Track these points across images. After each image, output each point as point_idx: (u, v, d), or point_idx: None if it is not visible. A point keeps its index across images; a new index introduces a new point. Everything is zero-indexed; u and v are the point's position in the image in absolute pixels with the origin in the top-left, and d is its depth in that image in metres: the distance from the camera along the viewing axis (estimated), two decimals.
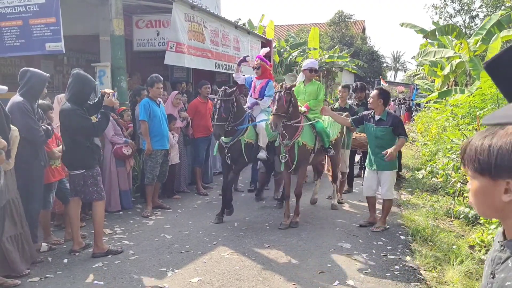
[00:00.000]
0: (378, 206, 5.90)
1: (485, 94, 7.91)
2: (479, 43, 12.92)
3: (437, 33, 13.25)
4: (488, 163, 1.05)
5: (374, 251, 4.84)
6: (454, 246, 4.76)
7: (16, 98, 4.33)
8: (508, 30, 11.54)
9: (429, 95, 16.86)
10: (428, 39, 14.78)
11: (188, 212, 6.40)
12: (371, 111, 5.55)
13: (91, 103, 4.72)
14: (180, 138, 7.25)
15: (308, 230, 5.59)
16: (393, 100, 26.97)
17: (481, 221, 5.28)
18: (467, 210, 5.71)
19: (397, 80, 49.96)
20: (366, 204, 5.97)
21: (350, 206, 6.86)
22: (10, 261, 3.92)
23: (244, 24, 15.54)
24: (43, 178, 4.60)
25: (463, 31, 16.17)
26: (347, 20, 35.39)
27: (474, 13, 23.87)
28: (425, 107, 18.15)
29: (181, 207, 6.69)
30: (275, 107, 5.32)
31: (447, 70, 14.55)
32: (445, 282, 4.01)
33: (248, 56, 7.26)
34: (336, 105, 7.28)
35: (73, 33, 7.60)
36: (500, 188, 1.04)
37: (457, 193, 6.39)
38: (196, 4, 8.40)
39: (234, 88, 5.68)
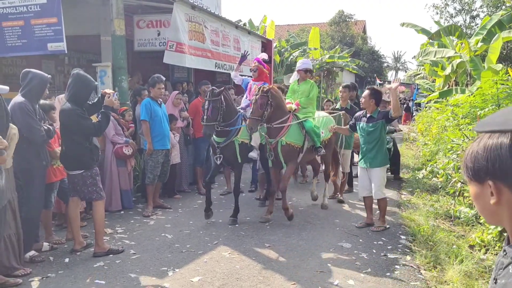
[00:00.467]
0: (376, 207, 5.90)
1: (486, 94, 7.91)
2: (480, 43, 12.92)
3: (442, 33, 13.27)
4: (473, 168, 1.06)
5: (374, 251, 4.85)
6: (454, 246, 4.77)
7: (18, 98, 4.35)
8: (509, 31, 11.53)
9: (429, 95, 16.86)
10: (430, 39, 14.78)
11: (189, 212, 6.42)
12: (363, 111, 5.62)
13: (90, 103, 4.74)
14: (181, 138, 7.28)
15: (308, 229, 5.61)
16: None
17: (481, 221, 5.29)
18: (467, 210, 5.72)
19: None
20: None
21: (351, 206, 6.87)
22: (4, 260, 3.93)
23: (244, 24, 15.55)
24: (45, 178, 4.61)
25: (464, 31, 16.15)
26: (347, 20, 35.37)
27: (474, 13, 23.85)
28: (425, 107, 18.13)
29: (182, 206, 6.71)
30: (251, 110, 5.47)
31: (448, 70, 14.54)
32: (445, 281, 4.02)
33: (248, 52, 7.27)
34: (338, 106, 7.29)
35: (74, 33, 7.61)
36: (487, 191, 1.04)
37: (457, 193, 6.39)
38: (196, 4, 8.41)
39: (222, 89, 5.75)
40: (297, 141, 5.75)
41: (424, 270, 4.35)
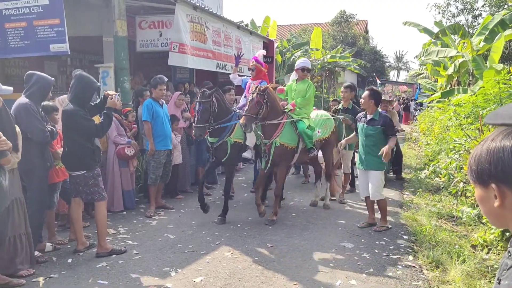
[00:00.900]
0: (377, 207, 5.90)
1: (488, 94, 7.89)
2: (482, 42, 12.90)
3: (446, 32, 13.25)
4: (476, 171, 1.06)
5: (376, 251, 4.85)
6: (456, 246, 4.76)
7: (22, 99, 4.37)
8: (511, 30, 11.51)
9: (432, 94, 16.83)
10: (435, 38, 14.75)
11: (191, 212, 6.43)
12: (364, 111, 5.62)
13: (93, 103, 4.76)
14: (183, 139, 7.29)
15: (310, 229, 5.61)
16: (397, 100, 26.93)
17: (483, 221, 5.29)
18: (469, 209, 5.71)
19: (399, 80, 49.87)
20: None
21: (352, 206, 6.87)
22: (9, 260, 3.95)
23: (247, 25, 15.55)
24: (48, 179, 4.63)
25: (466, 30, 16.12)
26: (349, 19, 35.31)
27: (477, 12, 23.78)
28: (428, 107, 18.10)
29: (184, 207, 6.72)
30: (247, 108, 5.49)
31: (450, 69, 14.51)
32: (447, 281, 4.02)
33: (242, 53, 7.30)
34: (340, 106, 7.28)
35: (77, 34, 7.63)
36: (491, 194, 1.04)
37: (459, 193, 6.39)
38: (198, 5, 8.43)
39: (213, 90, 5.79)
40: (291, 142, 5.77)
41: (426, 270, 4.34)
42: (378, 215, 5.79)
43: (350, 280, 4.09)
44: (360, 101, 5.84)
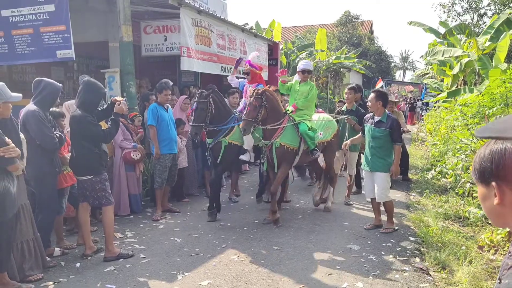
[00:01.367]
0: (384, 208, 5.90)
1: (494, 93, 7.85)
2: (488, 41, 12.83)
3: (453, 31, 13.22)
4: (479, 170, 1.11)
5: (383, 253, 4.85)
6: (463, 247, 4.75)
7: (31, 106, 4.43)
8: None
9: (438, 94, 16.77)
10: (441, 38, 14.71)
11: (198, 215, 6.45)
12: (371, 113, 5.60)
13: (100, 109, 4.81)
14: (188, 142, 7.32)
15: (316, 232, 5.62)
16: (404, 100, 26.82)
17: (490, 221, 5.26)
18: (476, 210, 5.69)
19: (405, 80, 49.67)
20: None
21: (359, 208, 6.86)
22: (18, 266, 3.99)
23: (251, 27, 15.59)
24: (57, 184, 4.68)
25: (472, 29, 16.04)
26: (354, 20, 35.29)
27: (482, 11, 23.65)
28: (434, 107, 18.03)
29: (190, 210, 6.75)
30: (245, 112, 5.55)
31: (456, 69, 14.46)
32: (454, 283, 4.01)
33: (242, 59, 7.36)
34: (344, 108, 7.28)
35: (83, 39, 7.72)
36: (492, 193, 1.09)
37: (466, 194, 6.36)
38: (202, 9, 8.48)
39: (210, 91, 5.94)
40: (292, 143, 5.78)
41: (433, 271, 4.34)
42: (384, 217, 5.79)
43: (357, 282, 4.09)
44: (367, 104, 5.82)
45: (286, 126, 5.75)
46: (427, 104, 23.72)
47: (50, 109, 4.70)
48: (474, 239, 5.12)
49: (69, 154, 4.95)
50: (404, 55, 58.56)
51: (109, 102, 4.86)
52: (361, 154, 7.77)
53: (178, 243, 5.22)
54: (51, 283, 4.08)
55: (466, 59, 13.46)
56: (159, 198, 6.44)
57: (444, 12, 24.95)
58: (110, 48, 7.88)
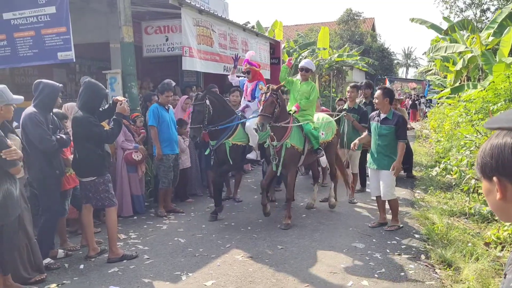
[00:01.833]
0: (388, 207, 5.86)
1: (498, 89, 7.80)
2: (491, 37, 12.76)
3: (456, 27, 13.15)
4: (480, 164, 1.11)
5: (388, 251, 4.81)
6: (469, 244, 4.70)
7: (28, 109, 4.41)
8: None
9: (441, 91, 16.69)
10: (444, 34, 14.64)
11: (201, 216, 6.44)
12: (378, 110, 5.57)
13: (101, 109, 4.79)
14: (191, 142, 7.30)
15: (321, 230, 5.58)
16: (408, 97, 26.71)
17: (496, 218, 5.22)
18: (482, 206, 5.64)
19: (408, 77, 49.52)
20: None
21: (362, 206, 6.83)
22: (15, 268, 3.97)
23: (253, 27, 15.56)
24: (59, 187, 4.66)
25: (475, 25, 15.95)
26: (356, 18, 35.15)
27: (485, 7, 23.53)
28: (437, 103, 17.96)
29: (194, 210, 6.74)
30: (262, 107, 5.45)
31: (459, 65, 14.38)
32: (461, 280, 3.97)
33: (239, 56, 7.34)
34: (345, 106, 7.25)
35: (84, 41, 7.71)
36: (494, 188, 1.08)
37: (471, 190, 6.31)
38: (203, 8, 8.45)
39: (205, 92, 5.94)
40: (299, 143, 5.76)
41: (439, 269, 4.30)
42: (389, 215, 5.75)
43: (362, 281, 4.06)
44: (374, 101, 5.78)
45: (293, 128, 5.71)
46: (430, 100, 23.63)
47: (54, 111, 4.69)
48: (480, 236, 5.07)
49: (72, 156, 4.95)
50: (406, 52, 58.43)
51: (111, 102, 4.85)
52: (366, 153, 7.76)
53: (182, 244, 5.20)
54: (54, 285, 4.07)
55: (470, 55, 13.39)
56: (161, 197, 6.46)
57: (447, 8, 24.86)
58: (111, 49, 7.86)
